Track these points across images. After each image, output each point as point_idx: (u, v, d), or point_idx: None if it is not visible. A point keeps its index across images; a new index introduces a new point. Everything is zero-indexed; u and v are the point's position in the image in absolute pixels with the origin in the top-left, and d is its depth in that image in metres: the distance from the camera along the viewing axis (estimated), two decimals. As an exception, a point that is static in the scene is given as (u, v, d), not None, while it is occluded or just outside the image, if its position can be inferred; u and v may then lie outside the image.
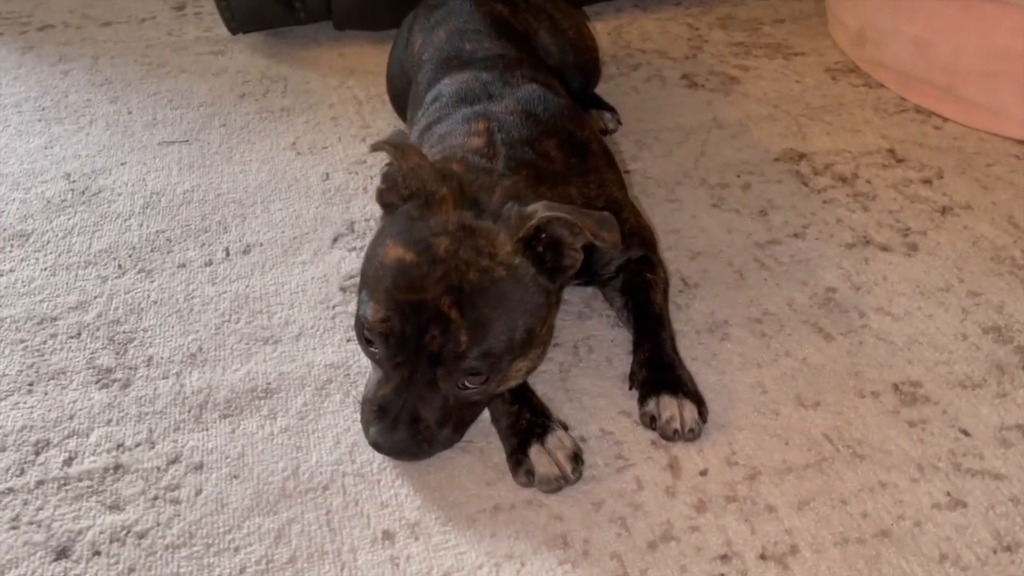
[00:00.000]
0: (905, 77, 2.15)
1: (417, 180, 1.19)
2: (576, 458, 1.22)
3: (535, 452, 1.21)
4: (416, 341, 1.14)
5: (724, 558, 1.12)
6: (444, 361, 1.14)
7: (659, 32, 2.53)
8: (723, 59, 2.38)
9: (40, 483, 1.23)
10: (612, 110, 2.04)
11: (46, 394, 1.38)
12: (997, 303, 1.52)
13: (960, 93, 2.03)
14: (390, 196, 1.24)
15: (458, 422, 1.22)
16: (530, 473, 1.20)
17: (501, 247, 1.16)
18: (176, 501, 1.21)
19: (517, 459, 1.21)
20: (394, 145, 1.20)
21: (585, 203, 1.35)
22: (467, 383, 1.17)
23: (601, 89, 2.15)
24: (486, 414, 1.29)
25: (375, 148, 1.20)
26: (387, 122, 2.07)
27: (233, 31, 2.48)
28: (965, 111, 2.04)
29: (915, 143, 1.99)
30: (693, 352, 1.43)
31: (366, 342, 1.20)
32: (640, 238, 1.50)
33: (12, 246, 1.70)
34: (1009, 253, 1.64)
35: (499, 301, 1.15)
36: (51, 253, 1.68)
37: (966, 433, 1.28)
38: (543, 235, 1.18)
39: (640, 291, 1.45)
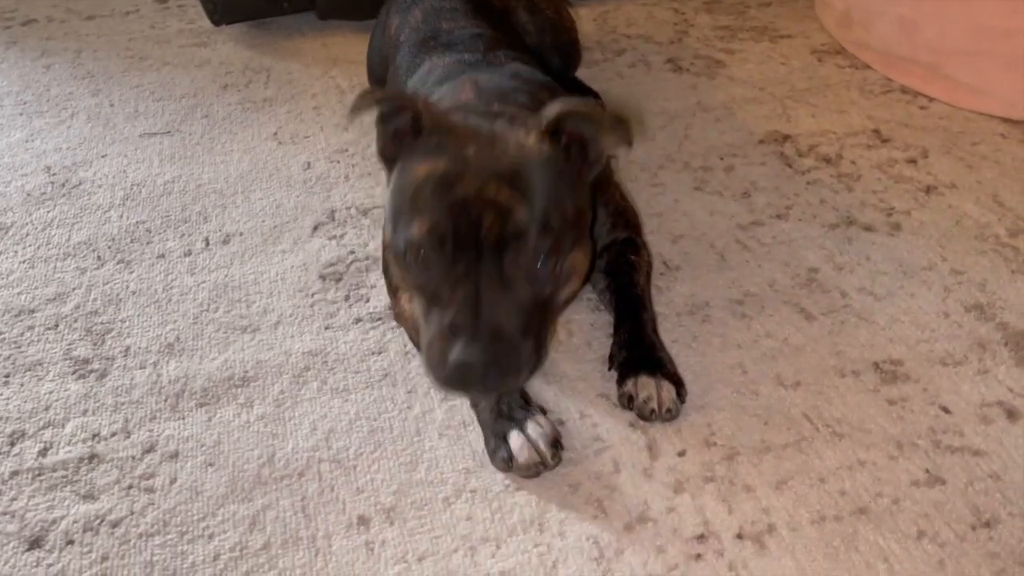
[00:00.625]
0: (891, 57, 2.14)
1: (429, 117, 1.18)
2: (555, 443, 1.21)
3: (514, 438, 1.20)
4: (474, 237, 1.09)
5: (701, 538, 1.11)
6: (509, 246, 1.09)
7: (644, 17, 2.51)
8: (709, 43, 2.36)
9: (14, 474, 1.23)
10: (596, 96, 2.03)
11: (22, 385, 1.37)
12: (980, 281, 1.51)
13: (945, 72, 2.01)
14: (393, 148, 1.22)
15: (538, 335, 1.12)
16: (509, 459, 1.19)
17: (528, 138, 1.15)
18: (151, 490, 1.20)
19: (496, 445, 1.21)
20: (397, 94, 1.18)
21: None
22: (537, 270, 1.11)
23: (586, 75, 2.13)
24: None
25: (377, 103, 1.20)
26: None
27: (216, 23, 2.47)
28: (950, 90, 2.02)
29: (900, 123, 1.97)
30: (674, 334, 1.42)
31: (412, 271, 1.13)
32: (625, 219, 1.50)
33: (-9, 239, 1.69)
34: (993, 231, 1.62)
35: (543, 176, 1.13)
36: (30, 246, 1.67)
37: (946, 410, 1.27)
38: (563, 134, 1.17)
39: (623, 273, 1.44)
